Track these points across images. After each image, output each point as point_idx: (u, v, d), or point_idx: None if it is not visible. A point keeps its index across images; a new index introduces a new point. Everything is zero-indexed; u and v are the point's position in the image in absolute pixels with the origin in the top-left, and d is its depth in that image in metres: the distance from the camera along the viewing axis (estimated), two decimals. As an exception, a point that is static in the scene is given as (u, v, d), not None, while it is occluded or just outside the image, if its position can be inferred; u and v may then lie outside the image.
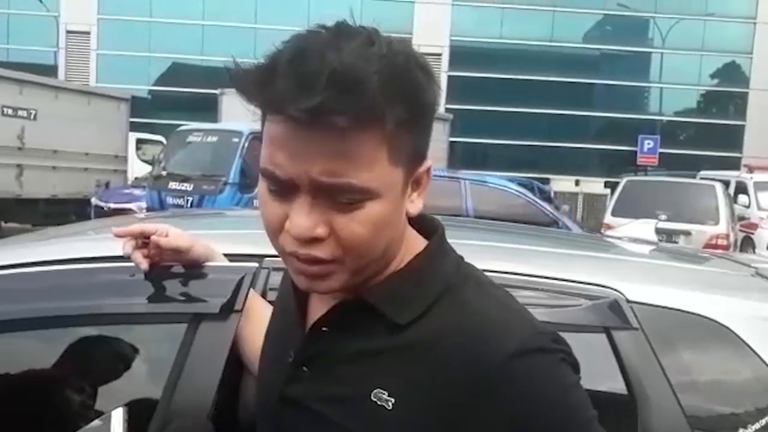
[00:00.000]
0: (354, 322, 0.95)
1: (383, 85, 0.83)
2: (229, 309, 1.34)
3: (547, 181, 28.43)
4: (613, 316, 1.46)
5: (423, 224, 1.02)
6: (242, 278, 1.36)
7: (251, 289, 1.37)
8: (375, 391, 0.90)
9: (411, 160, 0.91)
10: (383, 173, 0.87)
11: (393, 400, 0.89)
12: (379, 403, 0.89)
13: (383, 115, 0.83)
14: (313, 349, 0.98)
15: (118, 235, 1.35)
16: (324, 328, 0.98)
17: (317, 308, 1.01)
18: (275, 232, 0.91)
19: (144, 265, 1.34)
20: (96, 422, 1.09)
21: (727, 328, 1.48)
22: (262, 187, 0.91)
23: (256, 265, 1.41)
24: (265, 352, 1.13)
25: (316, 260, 0.89)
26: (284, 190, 0.88)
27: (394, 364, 0.91)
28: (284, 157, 0.85)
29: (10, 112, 13.86)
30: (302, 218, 0.86)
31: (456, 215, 6.43)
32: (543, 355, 0.88)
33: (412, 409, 0.88)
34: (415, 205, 0.95)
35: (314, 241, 0.87)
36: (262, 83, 0.84)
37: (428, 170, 0.96)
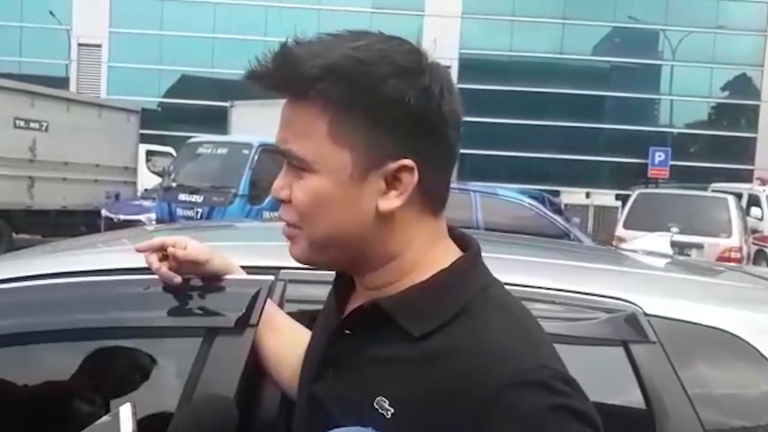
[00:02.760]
0: (372, 328, 0.96)
1: (316, 61, 0.90)
2: (244, 323, 1.33)
3: (557, 193, 28.39)
4: (631, 329, 1.45)
5: (462, 242, 1.03)
6: (258, 291, 1.36)
7: (271, 302, 1.37)
8: (378, 398, 0.90)
9: (369, 149, 0.92)
10: (321, 148, 0.92)
11: (392, 409, 0.89)
12: (380, 410, 0.89)
13: (310, 88, 0.90)
14: (335, 350, 1.00)
15: (140, 251, 1.35)
16: (347, 331, 0.99)
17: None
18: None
19: (177, 279, 1.34)
20: (105, 418, 1.08)
21: (744, 341, 1.47)
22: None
23: (272, 277, 1.41)
24: (306, 353, 1.14)
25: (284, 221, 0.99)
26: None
27: (400, 374, 0.91)
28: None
29: (22, 124, 13.90)
30: (277, 181, 0.98)
31: (466, 228, 6.42)
32: (538, 392, 0.82)
33: (407, 421, 0.88)
34: (390, 202, 0.94)
35: (282, 203, 0.98)
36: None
37: (409, 170, 0.93)
